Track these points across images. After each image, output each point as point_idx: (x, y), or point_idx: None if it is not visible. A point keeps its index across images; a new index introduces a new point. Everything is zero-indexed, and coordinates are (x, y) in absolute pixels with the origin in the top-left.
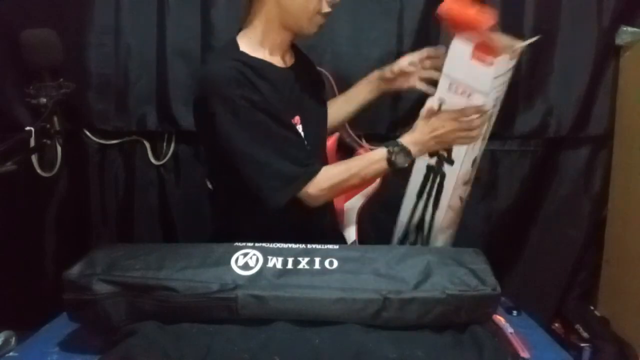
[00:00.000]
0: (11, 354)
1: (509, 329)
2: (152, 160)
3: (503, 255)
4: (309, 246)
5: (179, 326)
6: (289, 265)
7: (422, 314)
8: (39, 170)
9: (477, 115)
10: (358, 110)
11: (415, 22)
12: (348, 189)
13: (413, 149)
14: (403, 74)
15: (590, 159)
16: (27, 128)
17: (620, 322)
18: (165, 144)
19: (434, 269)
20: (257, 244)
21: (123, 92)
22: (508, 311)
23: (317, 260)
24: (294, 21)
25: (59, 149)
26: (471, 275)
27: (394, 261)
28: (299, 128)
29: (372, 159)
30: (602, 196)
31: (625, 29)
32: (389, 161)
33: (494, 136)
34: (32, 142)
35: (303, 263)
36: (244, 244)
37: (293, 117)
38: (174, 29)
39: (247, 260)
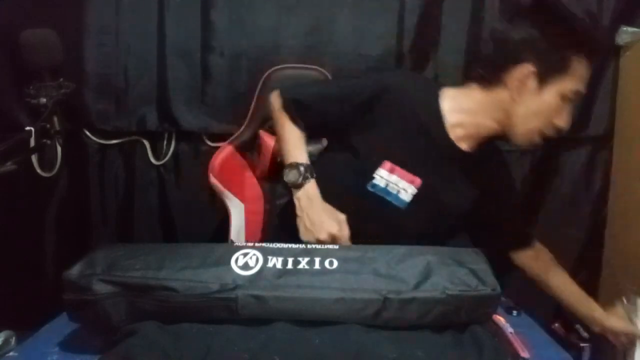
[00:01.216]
0: (11, 354)
1: (509, 329)
2: (152, 160)
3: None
4: (309, 246)
5: (179, 326)
6: (289, 265)
7: (423, 313)
8: (39, 170)
9: None
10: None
11: (415, 22)
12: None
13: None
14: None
15: (590, 159)
16: (27, 128)
17: None
18: (165, 144)
19: (434, 269)
20: (257, 244)
21: (123, 92)
22: (508, 311)
23: (317, 260)
24: (517, 120)
25: (59, 149)
26: (471, 276)
27: (394, 261)
28: (413, 189)
29: (287, 144)
30: (602, 196)
31: (625, 29)
32: (287, 167)
33: None
34: (32, 142)
35: (303, 263)
36: (244, 244)
37: (414, 174)
38: (174, 29)
39: (247, 260)
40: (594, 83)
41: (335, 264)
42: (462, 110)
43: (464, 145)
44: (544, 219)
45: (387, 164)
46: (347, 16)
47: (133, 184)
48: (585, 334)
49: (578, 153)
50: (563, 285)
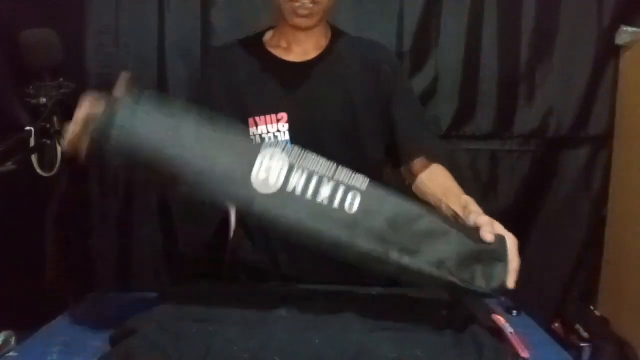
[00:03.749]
0: (11, 354)
1: (509, 329)
2: None
3: None
4: (338, 173)
5: (179, 326)
6: (308, 195)
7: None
8: (39, 170)
9: None
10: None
11: (415, 22)
12: None
13: None
14: None
15: (590, 159)
16: (27, 128)
17: (620, 322)
18: None
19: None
20: (287, 148)
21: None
22: (508, 311)
23: (338, 197)
24: (283, 15)
25: (59, 149)
26: None
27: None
28: (284, 126)
29: None
30: (602, 196)
31: (625, 29)
32: None
33: (494, 136)
34: (32, 142)
35: (323, 197)
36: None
37: (276, 112)
38: (174, 29)
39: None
40: (594, 83)
41: (355, 208)
42: (278, 34)
43: (297, 59)
44: (544, 219)
45: (250, 121)
46: (347, 16)
47: (133, 184)
48: (585, 334)
49: (578, 153)
50: (435, 179)
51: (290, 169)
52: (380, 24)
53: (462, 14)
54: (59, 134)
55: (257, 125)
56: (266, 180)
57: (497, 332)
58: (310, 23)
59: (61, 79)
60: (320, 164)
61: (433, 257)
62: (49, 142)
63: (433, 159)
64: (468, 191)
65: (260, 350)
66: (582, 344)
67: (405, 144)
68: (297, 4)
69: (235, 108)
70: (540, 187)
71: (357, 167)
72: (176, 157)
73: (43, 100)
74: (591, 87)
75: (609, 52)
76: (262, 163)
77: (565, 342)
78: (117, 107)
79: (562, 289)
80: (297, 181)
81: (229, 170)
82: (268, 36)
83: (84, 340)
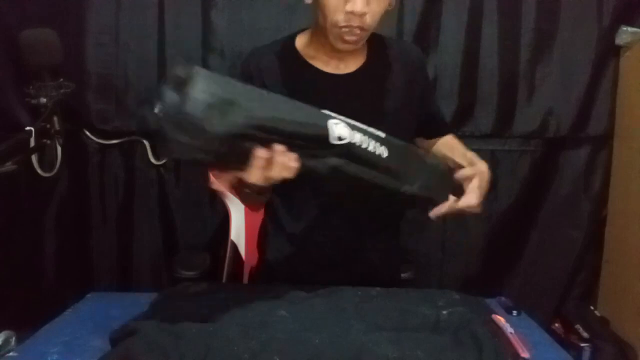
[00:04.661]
0: (11, 354)
1: (509, 329)
2: (152, 160)
3: (503, 255)
4: (371, 131)
5: (179, 326)
6: (365, 146)
7: None
8: (39, 170)
9: None
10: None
11: (415, 22)
12: None
13: None
14: None
15: (590, 159)
16: (27, 128)
17: (620, 322)
18: None
19: None
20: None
21: (123, 92)
22: (508, 311)
23: (377, 148)
24: (323, 25)
25: (59, 149)
26: None
27: None
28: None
29: None
30: (602, 196)
31: (625, 29)
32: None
33: (493, 136)
34: (32, 142)
35: (371, 147)
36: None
37: None
38: (174, 29)
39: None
40: (594, 83)
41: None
42: (312, 45)
43: (337, 71)
44: (544, 219)
45: None
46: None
47: (133, 184)
48: (585, 334)
49: (578, 153)
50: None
51: (352, 127)
52: (380, 24)
53: (462, 14)
54: (59, 134)
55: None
56: (336, 133)
57: (497, 332)
58: (356, 47)
59: (61, 79)
60: (363, 127)
61: (424, 184)
62: (49, 142)
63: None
64: None
65: (260, 350)
66: (582, 344)
67: (438, 129)
68: (345, 30)
69: None
70: (540, 187)
71: None
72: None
73: (43, 100)
74: (591, 87)
75: (609, 52)
76: (334, 121)
77: (565, 342)
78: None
79: (562, 289)
80: (358, 137)
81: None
82: (301, 42)
83: (84, 340)
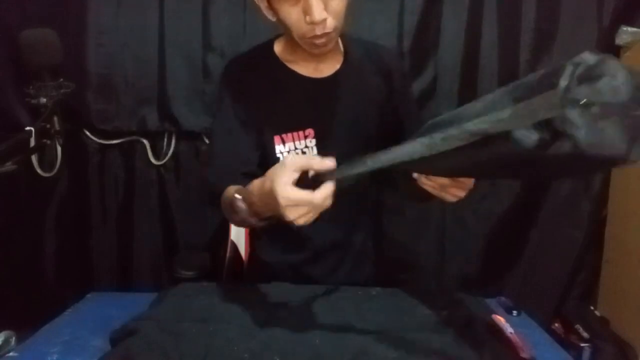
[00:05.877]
0: (11, 354)
1: (509, 329)
2: (152, 160)
3: (503, 255)
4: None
5: (179, 326)
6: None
7: None
8: (39, 170)
9: None
10: None
11: (415, 22)
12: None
13: None
14: None
15: None
16: (27, 128)
17: (620, 322)
18: (165, 144)
19: None
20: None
21: (123, 92)
22: (508, 311)
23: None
24: (294, 37)
25: (59, 149)
26: None
27: None
28: (312, 142)
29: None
30: (602, 196)
31: (625, 29)
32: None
33: None
34: (32, 142)
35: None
36: None
37: (303, 129)
38: (174, 29)
39: None
40: None
41: None
42: (290, 50)
43: (316, 73)
44: (544, 219)
45: (276, 139)
46: (347, 16)
47: (133, 184)
48: (585, 334)
49: None
50: None
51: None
52: (380, 24)
53: (462, 14)
54: (59, 134)
55: (284, 142)
56: None
57: (497, 332)
58: (327, 49)
59: (61, 79)
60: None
61: None
62: (49, 142)
63: None
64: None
65: (260, 350)
66: (582, 344)
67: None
68: (312, 37)
69: (257, 125)
70: (540, 187)
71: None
72: None
73: (43, 100)
74: None
75: (609, 52)
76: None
77: (565, 342)
78: None
79: (562, 289)
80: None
81: None
82: (279, 47)
83: (84, 340)
